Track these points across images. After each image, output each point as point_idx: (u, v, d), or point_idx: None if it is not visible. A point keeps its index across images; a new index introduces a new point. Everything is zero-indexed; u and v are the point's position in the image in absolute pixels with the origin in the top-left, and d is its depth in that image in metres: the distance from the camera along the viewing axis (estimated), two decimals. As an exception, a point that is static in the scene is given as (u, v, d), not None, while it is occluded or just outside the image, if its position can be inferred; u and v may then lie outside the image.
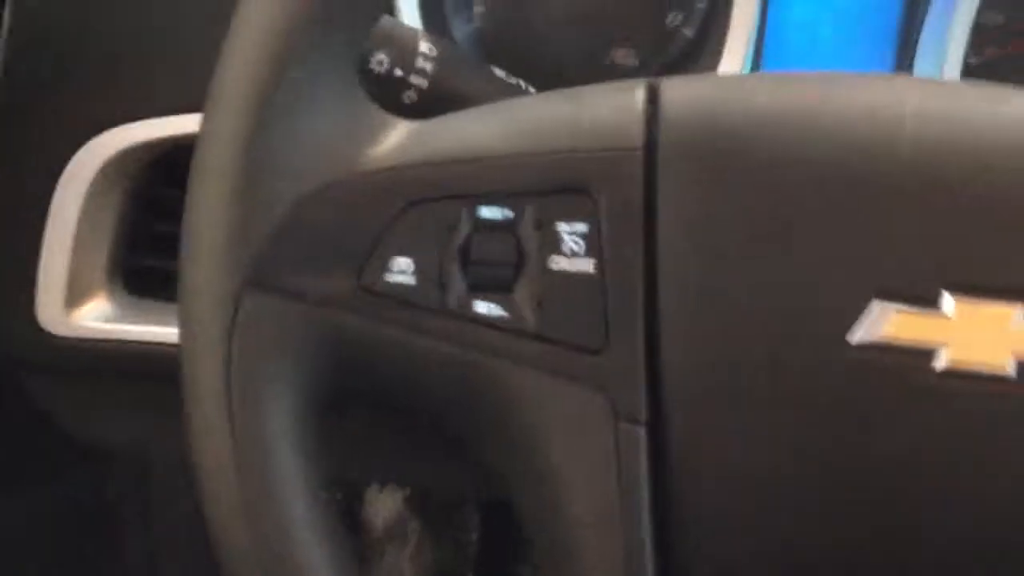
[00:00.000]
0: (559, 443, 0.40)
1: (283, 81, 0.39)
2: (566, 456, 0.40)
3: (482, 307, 0.40)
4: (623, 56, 0.72)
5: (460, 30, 0.72)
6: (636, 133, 0.40)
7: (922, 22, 0.67)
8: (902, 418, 0.38)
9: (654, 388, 0.40)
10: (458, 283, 0.40)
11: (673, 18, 0.72)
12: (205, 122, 0.40)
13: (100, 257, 0.66)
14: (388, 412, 0.54)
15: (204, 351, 0.40)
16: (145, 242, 0.67)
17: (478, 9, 0.74)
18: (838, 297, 0.39)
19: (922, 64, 0.68)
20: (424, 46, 0.52)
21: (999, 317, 0.38)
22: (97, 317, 0.67)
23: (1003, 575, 0.40)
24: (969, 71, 0.71)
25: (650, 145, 0.40)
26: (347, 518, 1.24)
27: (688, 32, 0.72)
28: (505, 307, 0.40)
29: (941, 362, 0.38)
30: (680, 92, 0.41)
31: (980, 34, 0.71)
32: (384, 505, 1.28)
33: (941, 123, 0.39)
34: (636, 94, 0.41)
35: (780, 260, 0.39)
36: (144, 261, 0.68)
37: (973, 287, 0.38)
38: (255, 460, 0.41)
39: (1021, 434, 0.38)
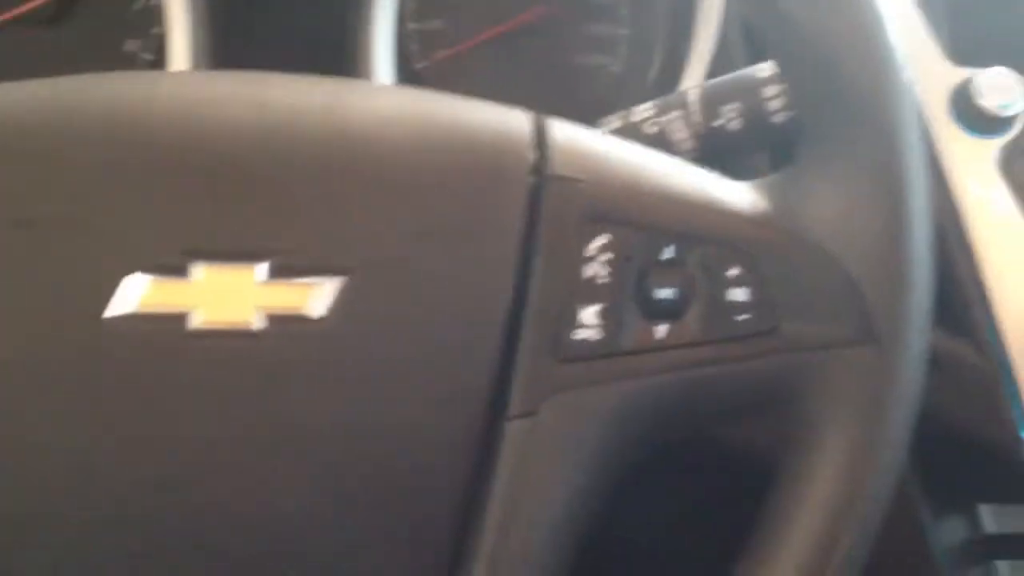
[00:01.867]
0: None
1: None
2: None
3: None
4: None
5: None
6: None
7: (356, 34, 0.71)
8: (163, 381, 0.41)
9: None
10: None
11: (131, 44, 0.74)
12: None
13: None
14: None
15: None
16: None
17: None
18: (94, 276, 0.41)
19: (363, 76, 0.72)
20: None
21: (242, 278, 0.42)
22: None
23: (270, 511, 0.43)
24: (418, 76, 0.76)
25: None
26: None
27: (147, 56, 0.74)
28: None
29: (193, 324, 0.41)
30: None
31: (424, 40, 0.76)
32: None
33: (186, 106, 0.43)
34: None
35: (40, 247, 0.41)
36: None
37: (215, 253, 0.41)
38: None
39: (269, 379, 0.42)
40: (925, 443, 0.60)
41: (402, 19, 0.75)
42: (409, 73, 0.75)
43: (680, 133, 0.58)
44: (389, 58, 0.70)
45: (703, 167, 0.48)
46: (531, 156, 0.43)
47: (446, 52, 0.77)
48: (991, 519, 0.71)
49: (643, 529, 0.83)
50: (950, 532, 0.71)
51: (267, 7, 0.74)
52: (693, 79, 0.71)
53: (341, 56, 0.73)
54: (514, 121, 0.45)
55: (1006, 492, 0.70)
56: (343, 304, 0.41)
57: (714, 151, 0.58)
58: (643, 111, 0.59)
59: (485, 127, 0.44)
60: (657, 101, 0.59)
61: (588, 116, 0.63)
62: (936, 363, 0.58)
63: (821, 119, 0.45)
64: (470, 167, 0.43)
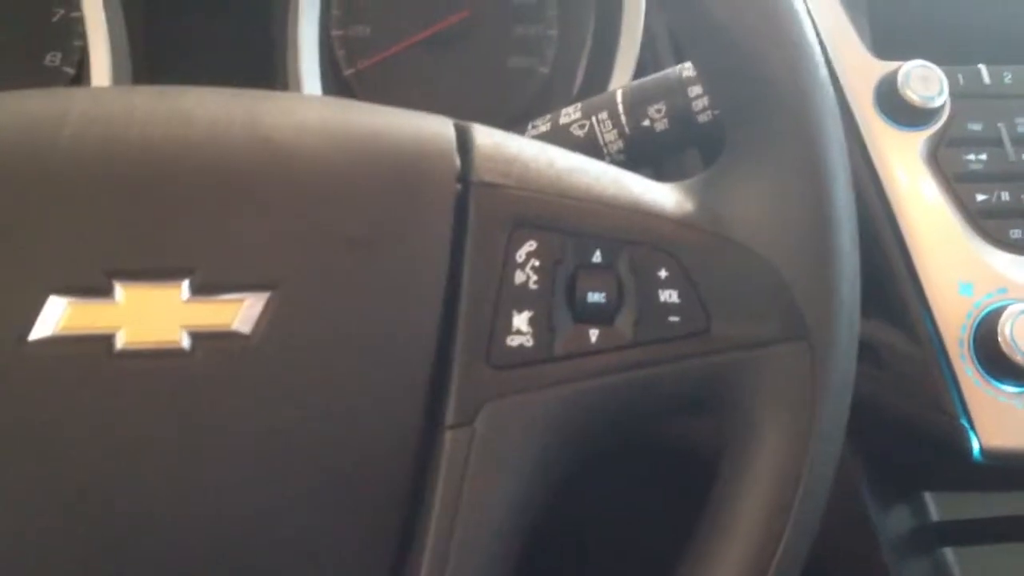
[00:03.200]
0: None
1: None
2: None
3: None
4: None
5: None
6: None
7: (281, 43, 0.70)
8: (92, 403, 0.40)
9: None
10: None
11: (52, 58, 0.73)
12: None
13: None
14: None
15: None
16: None
17: None
18: (16, 298, 0.40)
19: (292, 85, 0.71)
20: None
21: (167, 297, 0.41)
22: None
23: (204, 530, 0.42)
24: (347, 83, 0.75)
25: None
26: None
27: (69, 70, 0.73)
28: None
29: (119, 345, 0.40)
30: None
31: (350, 47, 0.75)
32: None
33: (102, 123, 0.42)
34: None
35: None
36: None
37: (139, 272, 0.41)
38: None
39: (201, 398, 0.41)
40: (869, 434, 0.61)
41: (327, 26, 0.74)
42: (337, 81, 0.74)
43: (608, 135, 0.58)
44: (315, 66, 0.69)
45: (632, 168, 0.47)
46: (456, 162, 0.43)
47: (372, 59, 0.76)
48: (937, 507, 0.71)
49: (595, 526, 0.83)
50: (896, 522, 0.71)
51: (191, 19, 0.73)
52: (621, 79, 0.71)
53: (268, 66, 0.72)
54: (437, 128, 0.44)
55: (950, 479, 0.70)
56: (272, 319, 0.41)
57: (643, 152, 0.58)
58: (570, 113, 0.59)
59: (409, 135, 0.43)
60: (584, 103, 0.59)
61: (519, 119, 0.63)
62: (875, 354, 0.59)
63: (742, 118, 0.45)
64: (396, 176, 0.43)
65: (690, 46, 0.48)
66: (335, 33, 0.75)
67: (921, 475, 0.70)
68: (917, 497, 0.71)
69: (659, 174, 0.61)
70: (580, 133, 0.58)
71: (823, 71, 0.44)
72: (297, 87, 0.68)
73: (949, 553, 0.70)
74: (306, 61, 0.68)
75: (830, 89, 0.44)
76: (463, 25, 0.76)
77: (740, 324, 0.43)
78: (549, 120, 0.59)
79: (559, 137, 0.58)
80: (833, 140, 0.44)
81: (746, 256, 0.44)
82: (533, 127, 0.59)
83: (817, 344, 0.43)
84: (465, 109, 0.50)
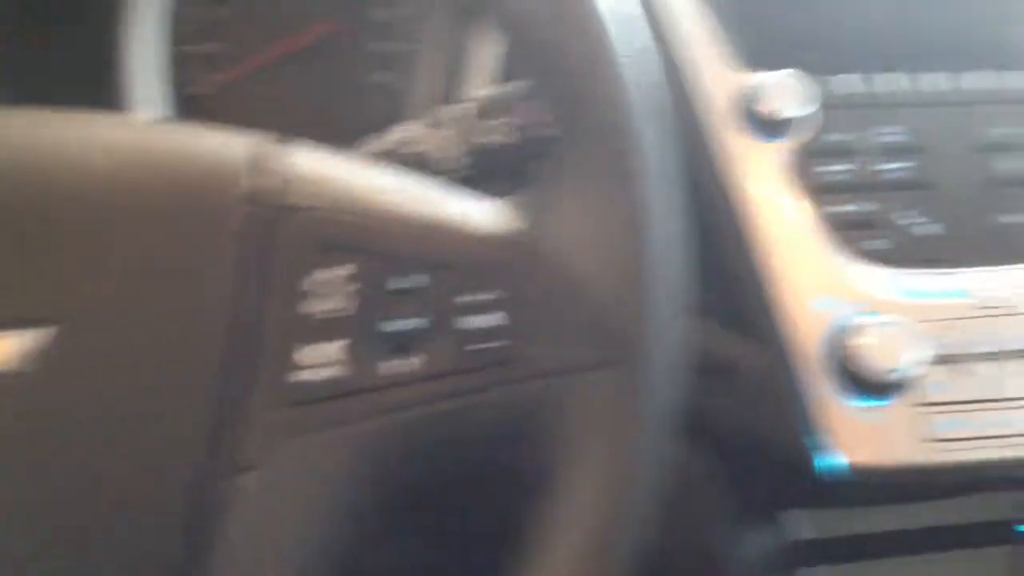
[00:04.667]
0: None
1: None
2: None
3: None
4: None
5: None
6: None
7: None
8: None
9: None
10: None
11: None
12: None
13: None
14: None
15: None
16: None
17: None
18: None
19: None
20: None
21: None
22: None
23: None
24: (199, 102, 0.72)
25: None
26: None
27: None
28: None
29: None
30: None
31: (200, 65, 0.73)
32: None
33: None
34: None
35: None
36: None
37: None
38: None
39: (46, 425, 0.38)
40: (721, 455, 0.59)
41: (178, 42, 0.72)
42: (187, 100, 0.72)
43: (445, 151, 0.56)
44: (154, 84, 0.66)
45: (473, 185, 0.45)
46: (244, 184, 0.40)
47: (226, 76, 0.73)
48: (793, 525, 0.70)
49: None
50: (751, 542, 0.70)
51: (26, 41, 0.69)
52: (476, 94, 0.69)
53: (110, 88, 0.70)
54: (230, 149, 0.42)
55: (813, 498, 0.69)
56: (47, 356, 0.38)
57: (484, 168, 0.56)
58: (408, 130, 0.57)
59: (197, 158, 0.41)
60: (425, 118, 0.57)
61: (377, 135, 0.60)
62: (729, 371, 0.57)
63: (562, 131, 0.43)
64: (176, 202, 0.40)
65: (512, 60, 0.46)
66: (185, 49, 0.72)
67: (779, 494, 0.69)
68: (774, 518, 0.69)
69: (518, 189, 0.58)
70: (417, 150, 0.55)
71: (636, 79, 0.42)
72: (131, 107, 0.65)
73: (805, 574, 0.69)
74: (140, 81, 0.66)
75: (645, 93, 0.42)
76: (322, 41, 0.73)
77: (551, 350, 0.41)
78: (388, 136, 0.57)
79: (396, 154, 0.56)
80: (645, 147, 0.42)
81: (559, 275, 0.42)
82: (371, 144, 0.57)
83: (630, 369, 0.41)
84: (322, 127, 0.48)
